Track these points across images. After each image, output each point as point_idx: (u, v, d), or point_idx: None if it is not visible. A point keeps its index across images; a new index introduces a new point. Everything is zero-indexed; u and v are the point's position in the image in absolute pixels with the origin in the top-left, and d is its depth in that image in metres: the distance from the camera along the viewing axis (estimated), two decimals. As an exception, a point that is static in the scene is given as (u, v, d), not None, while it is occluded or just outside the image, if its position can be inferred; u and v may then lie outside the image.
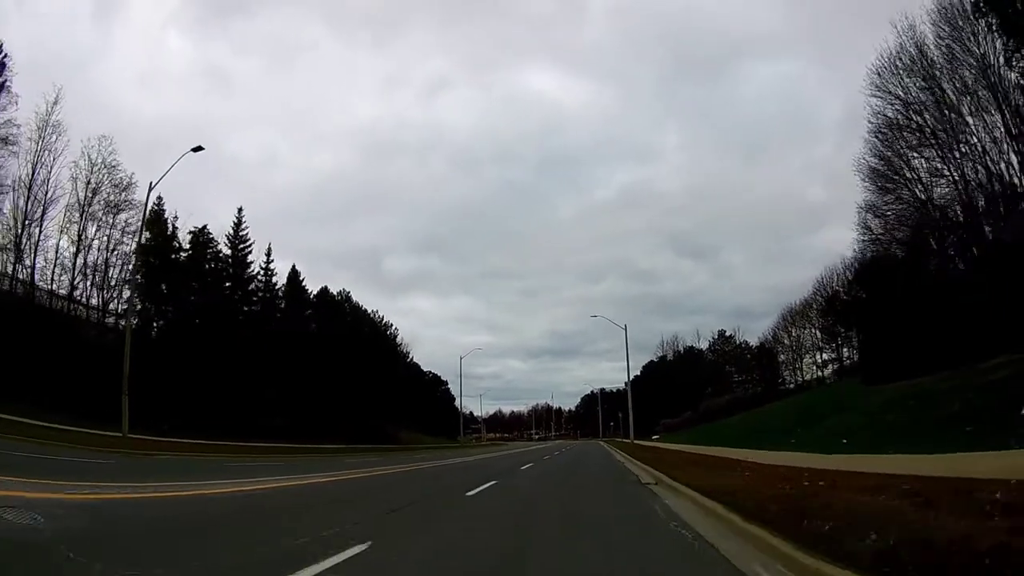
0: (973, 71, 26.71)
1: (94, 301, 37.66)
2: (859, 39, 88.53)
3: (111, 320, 38.33)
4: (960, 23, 27.07)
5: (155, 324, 42.04)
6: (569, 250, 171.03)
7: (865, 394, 31.16)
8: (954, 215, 29.65)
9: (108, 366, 26.96)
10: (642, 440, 57.08)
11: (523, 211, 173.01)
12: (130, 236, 36.85)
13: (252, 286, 49.49)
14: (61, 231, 35.61)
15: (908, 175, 30.64)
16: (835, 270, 53.58)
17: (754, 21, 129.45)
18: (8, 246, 33.33)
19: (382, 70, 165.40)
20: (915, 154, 30.14)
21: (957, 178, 28.23)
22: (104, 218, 37.00)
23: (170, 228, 42.67)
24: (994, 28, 25.76)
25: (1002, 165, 26.69)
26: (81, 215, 36.00)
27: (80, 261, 36.21)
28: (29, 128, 33.19)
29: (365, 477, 15.80)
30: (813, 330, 64.92)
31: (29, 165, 33.73)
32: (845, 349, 59.51)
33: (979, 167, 27.37)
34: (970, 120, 27.39)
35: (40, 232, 34.54)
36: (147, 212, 32.78)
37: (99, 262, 37.03)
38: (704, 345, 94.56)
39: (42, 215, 34.45)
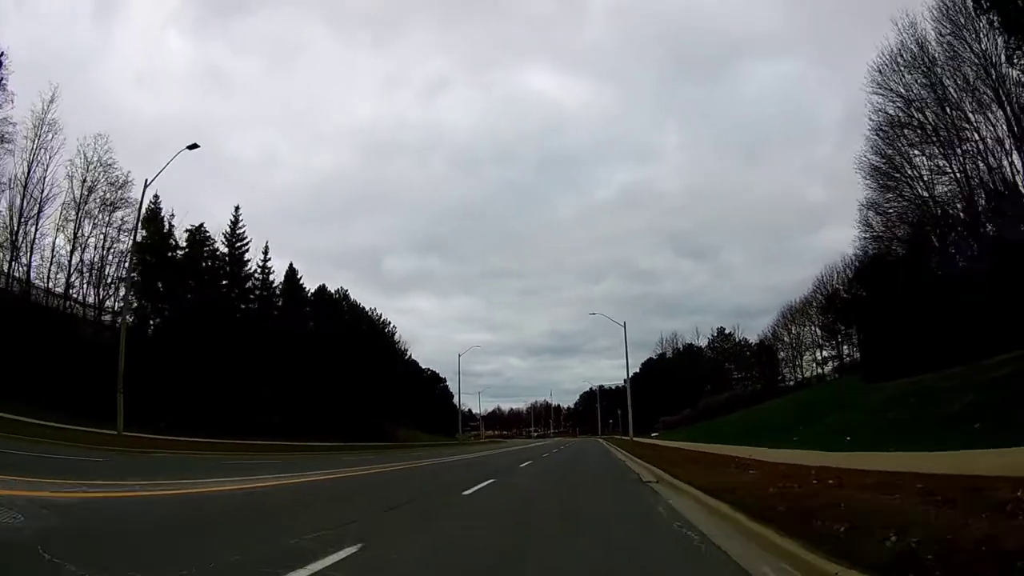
0: (975, 68, 26.51)
1: (90, 299, 37.54)
2: (859, 39, 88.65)
3: (107, 318, 38.12)
4: (962, 20, 26.88)
5: (151, 322, 41.84)
6: (569, 250, 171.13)
7: (865, 391, 31.04)
8: (955, 213, 29.52)
9: (104, 364, 26.72)
10: (641, 437, 56.93)
11: (523, 211, 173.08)
12: (126, 234, 36.73)
13: (249, 284, 49.20)
14: (57, 229, 35.47)
15: (909, 172, 30.48)
16: (835, 268, 53.59)
17: (754, 21, 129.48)
18: (4, 244, 33.18)
19: (382, 70, 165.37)
20: (916, 152, 29.97)
21: (959, 175, 28.08)
22: (100, 216, 36.81)
23: (166, 226, 42.43)
24: (995, 25, 25.61)
25: (1004, 163, 26.58)
26: (77, 213, 35.83)
27: (76, 259, 36.04)
28: (25, 126, 33.11)
29: (363, 475, 15.68)
30: (813, 327, 64.85)
31: (25, 163, 33.59)
32: (845, 346, 59.37)
33: (981, 164, 27.24)
34: (972, 117, 27.24)
35: (36, 230, 34.41)
36: (143, 210, 32.68)
37: (95, 260, 36.88)
38: (703, 343, 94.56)
39: (38, 213, 34.28)
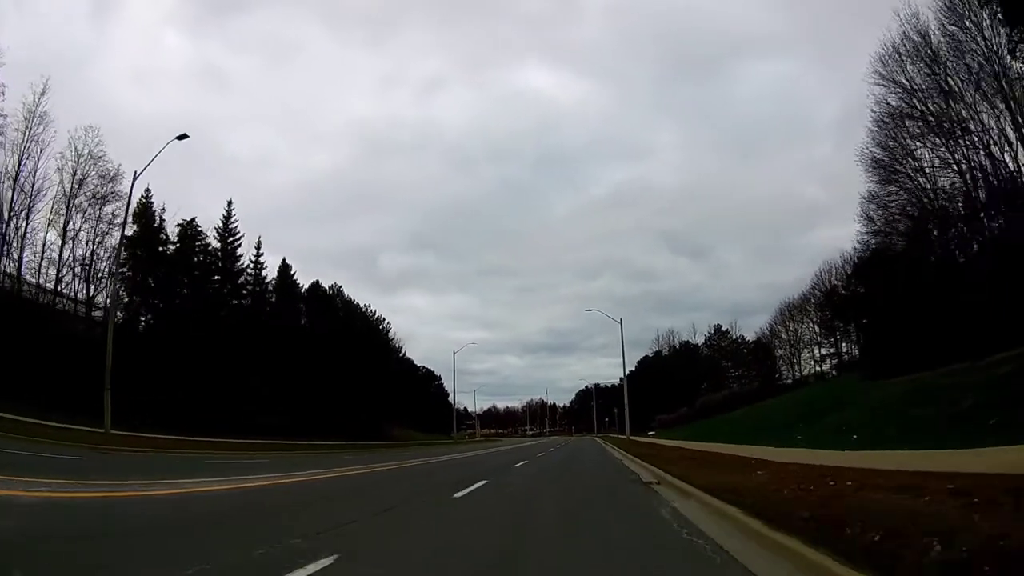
0: (978, 59, 26.20)
1: (81, 295, 36.89)
2: (857, 39, 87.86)
3: (98, 314, 37.38)
4: (964, 11, 26.58)
5: (142, 318, 41.20)
6: (565, 248, 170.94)
7: (866, 389, 30.64)
8: (955, 209, 29.16)
9: (94, 361, 26.12)
10: (638, 436, 56.59)
11: (519, 209, 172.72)
12: (117, 228, 35.94)
13: (241, 279, 48.60)
14: (48, 224, 34.85)
15: (911, 164, 30.18)
16: (834, 264, 53.18)
17: (751, 21, 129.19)
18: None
19: (378, 69, 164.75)
20: (918, 143, 29.70)
21: (963, 168, 27.74)
22: (90, 210, 36.18)
23: (157, 220, 41.78)
24: (998, 17, 25.24)
25: (1006, 155, 26.24)
26: (67, 207, 35.19)
27: (67, 254, 35.47)
28: (16, 119, 32.55)
29: (357, 474, 15.37)
30: (811, 324, 64.46)
31: (16, 156, 32.98)
32: (844, 344, 59.03)
33: (983, 156, 26.89)
34: (975, 108, 26.90)
35: (27, 225, 33.77)
36: (134, 203, 32.16)
37: (86, 255, 36.26)
38: (700, 340, 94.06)
39: (28, 207, 33.65)
